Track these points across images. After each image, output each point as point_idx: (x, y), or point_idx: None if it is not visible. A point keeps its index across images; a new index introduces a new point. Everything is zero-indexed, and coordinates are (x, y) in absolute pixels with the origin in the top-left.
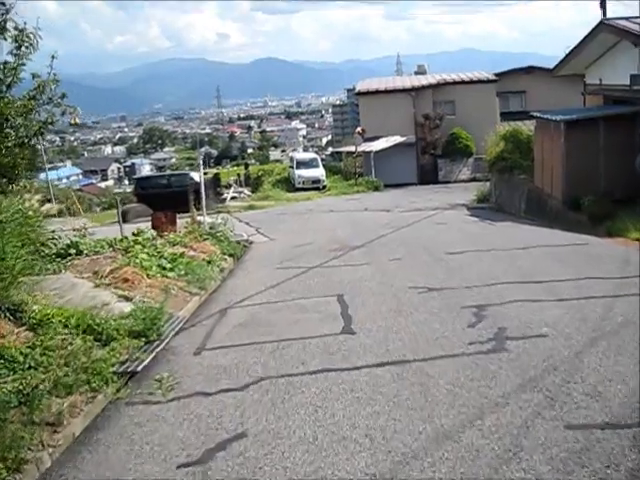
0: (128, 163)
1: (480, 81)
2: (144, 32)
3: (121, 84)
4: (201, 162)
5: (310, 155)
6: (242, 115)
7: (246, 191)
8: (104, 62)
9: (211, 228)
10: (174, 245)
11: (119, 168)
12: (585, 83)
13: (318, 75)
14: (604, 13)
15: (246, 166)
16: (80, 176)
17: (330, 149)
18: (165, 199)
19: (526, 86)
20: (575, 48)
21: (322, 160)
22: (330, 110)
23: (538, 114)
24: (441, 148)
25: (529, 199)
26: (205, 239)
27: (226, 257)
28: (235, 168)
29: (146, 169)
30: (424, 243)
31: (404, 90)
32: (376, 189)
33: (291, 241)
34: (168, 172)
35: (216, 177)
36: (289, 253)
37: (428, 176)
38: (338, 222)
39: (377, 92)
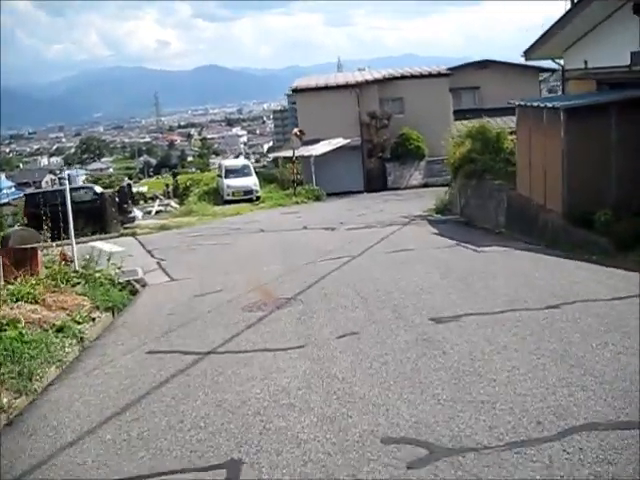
0: (63, 174)
1: (431, 75)
2: (83, 40)
3: (60, 93)
4: (67, 175)
5: (241, 162)
6: (182, 123)
7: (173, 203)
8: (42, 71)
9: (85, 267)
10: (17, 301)
11: (53, 180)
12: (564, 68)
13: (259, 82)
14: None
15: (174, 175)
16: (13, 189)
17: (271, 155)
18: (63, 218)
19: (480, 82)
20: (558, 22)
21: (263, 167)
22: (271, 116)
23: (522, 102)
24: (389, 151)
25: (510, 211)
26: (75, 284)
27: (98, 314)
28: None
29: (81, 180)
30: (390, 293)
31: (347, 86)
32: (317, 199)
33: (196, 284)
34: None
35: (122, 190)
36: (184, 312)
37: (376, 182)
38: (267, 249)
39: (317, 89)
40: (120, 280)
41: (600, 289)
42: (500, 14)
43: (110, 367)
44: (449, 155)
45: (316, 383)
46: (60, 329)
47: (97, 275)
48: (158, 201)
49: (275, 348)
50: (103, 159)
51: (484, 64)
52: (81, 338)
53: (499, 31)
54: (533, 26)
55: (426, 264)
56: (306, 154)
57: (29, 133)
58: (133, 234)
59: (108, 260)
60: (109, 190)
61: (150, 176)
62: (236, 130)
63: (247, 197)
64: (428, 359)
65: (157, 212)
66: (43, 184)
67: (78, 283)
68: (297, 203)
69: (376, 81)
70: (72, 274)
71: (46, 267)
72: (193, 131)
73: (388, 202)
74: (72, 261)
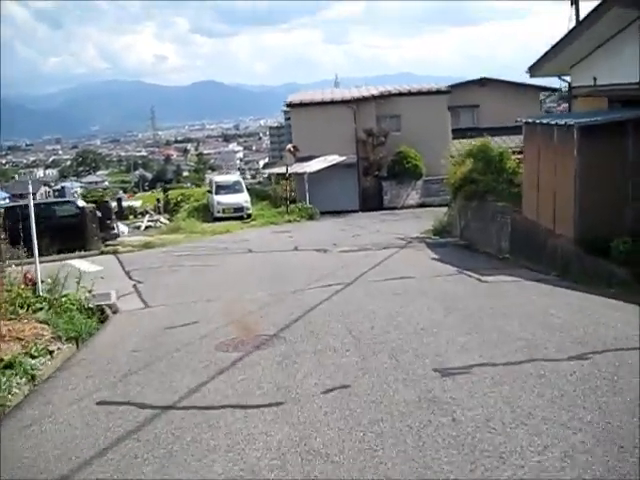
0: (58, 186)
1: (430, 92)
2: (80, 53)
3: (57, 106)
4: (31, 187)
5: (232, 178)
6: (179, 138)
7: (162, 219)
8: (40, 83)
9: (50, 290)
10: None
11: (47, 192)
12: (571, 85)
13: (257, 98)
14: (577, 12)
15: (165, 190)
16: (7, 200)
17: (266, 171)
18: (40, 234)
19: (479, 100)
20: (565, 37)
21: (259, 183)
22: (268, 132)
23: (530, 119)
24: (386, 169)
25: (514, 235)
26: (37, 309)
27: (59, 345)
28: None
29: (72, 192)
30: (387, 332)
31: (344, 102)
32: (311, 218)
33: (172, 313)
34: (49, 200)
35: (105, 204)
36: (151, 348)
37: (372, 201)
38: (253, 273)
39: (313, 104)
40: (90, 305)
41: (630, 332)
42: (499, 34)
43: (50, 422)
44: (449, 175)
45: (293, 462)
46: (9, 365)
47: (63, 300)
48: (148, 216)
49: (248, 404)
50: (99, 172)
51: (483, 82)
52: (32, 376)
53: (498, 51)
54: (534, 47)
55: (426, 296)
56: (300, 171)
57: (26, 145)
58: (114, 252)
59: (77, 282)
60: (91, 205)
61: (145, 190)
62: (232, 146)
63: (238, 214)
64: (435, 430)
65: (146, 227)
66: (37, 196)
67: (41, 309)
68: (289, 222)
69: (373, 97)
70: (34, 299)
71: (7, 290)
72: (189, 146)
73: (384, 222)
74: (35, 283)
